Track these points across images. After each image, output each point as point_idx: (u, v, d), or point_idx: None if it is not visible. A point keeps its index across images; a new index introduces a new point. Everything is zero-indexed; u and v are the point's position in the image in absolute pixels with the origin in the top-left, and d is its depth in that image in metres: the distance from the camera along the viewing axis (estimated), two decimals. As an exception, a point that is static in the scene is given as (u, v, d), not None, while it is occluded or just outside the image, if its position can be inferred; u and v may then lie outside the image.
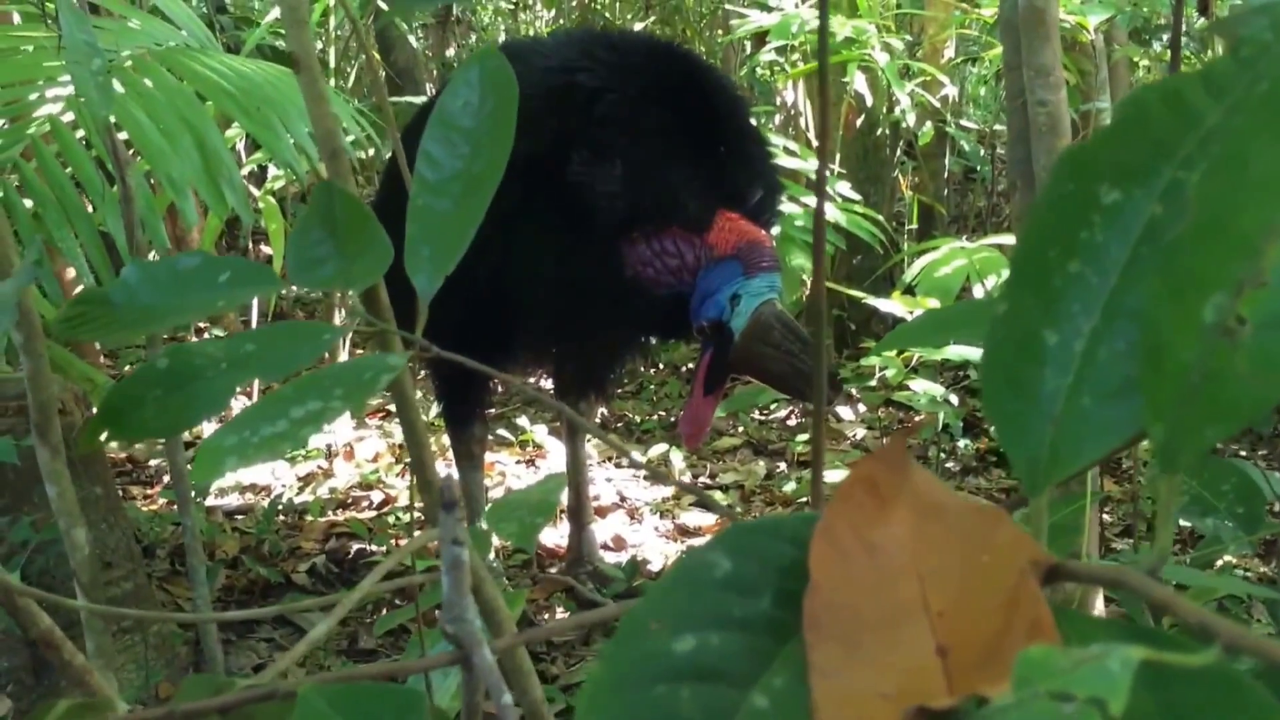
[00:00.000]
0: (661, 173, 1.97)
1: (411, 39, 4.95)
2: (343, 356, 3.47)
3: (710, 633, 0.34)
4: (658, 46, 2.32)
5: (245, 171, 3.43)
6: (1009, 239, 3.51)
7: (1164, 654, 0.28)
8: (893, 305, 2.94)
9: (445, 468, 2.72)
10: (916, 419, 3.49)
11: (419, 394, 2.97)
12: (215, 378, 0.58)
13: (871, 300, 3.17)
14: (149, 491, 3.24)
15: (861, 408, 3.68)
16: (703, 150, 2.02)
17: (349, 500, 3.21)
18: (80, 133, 2.22)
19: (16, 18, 2.61)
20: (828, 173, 0.66)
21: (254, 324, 4.00)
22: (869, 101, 4.10)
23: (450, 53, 6.26)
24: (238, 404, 2.57)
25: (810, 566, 0.35)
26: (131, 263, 0.63)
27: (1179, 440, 0.32)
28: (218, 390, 0.58)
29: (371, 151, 4.25)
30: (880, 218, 3.72)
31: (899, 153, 4.45)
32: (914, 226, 4.60)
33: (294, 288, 0.72)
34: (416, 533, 2.86)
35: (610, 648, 0.34)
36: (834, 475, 2.49)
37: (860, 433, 3.60)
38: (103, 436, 0.58)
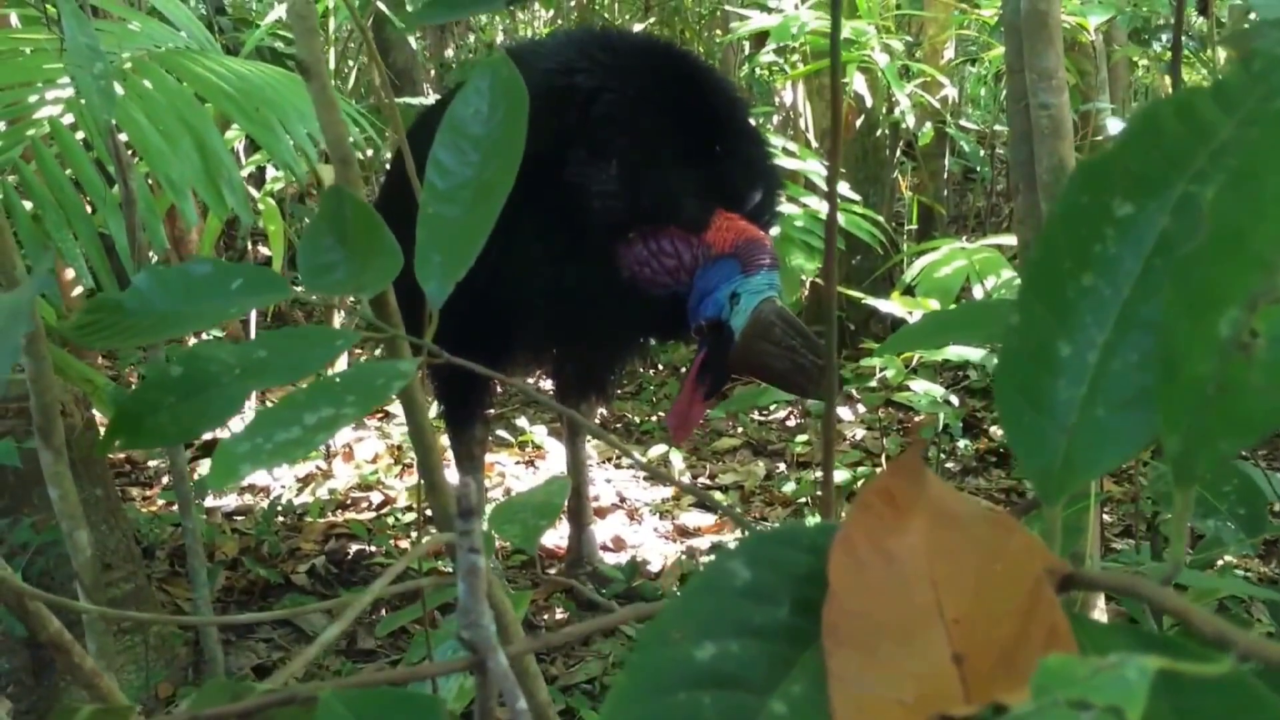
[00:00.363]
0: (658, 173, 1.96)
1: (411, 40, 4.95)
2: (341, 359, 3.47)
3: (730, 640, 0.35)
4: (656, 46, 2.33)
5: (245, 173, 3.43)
6: (1009, 239, 3.52)
7: (1181, 664, 0.28)
8: (892, 306, 2.94)
9: (446, 470, 2.72)
10: (916, 419, 3.49)
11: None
12: (229, 384, 0.58)
13: (871, 301, 3.18)
14: (148, 493, 3.24)
15: (860, 408, 3.69)
16: (701, 150, 2.02)
17: (348, 501, 3.21)
18: (80, 134, 2.22)
19: (15, 20, 2.61)
20: (828, 172, 0.67)
21: (253, 323, 4.00)
22: (868, 102, 4.11)
23: (449, 53, 6.26)
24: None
25: (829, 575, 0.36)
26: (141, 268, 0.64)
27: (1194, 452, 0.32)
28: (231, 396, 0.58)
29: (370, 152, 4.25)
30: (880, 218, 3.73)
31: (898, 153, 4.45)
32: (913, 227, 4.61)
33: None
34: (415, 534, 2.86)
35: (634, 655, 0.34)
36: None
37: (860, 433, 3.61)
38: (117, 444, 0.59)
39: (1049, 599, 0.34)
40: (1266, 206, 0.30)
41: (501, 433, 3.64)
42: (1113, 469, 0.38)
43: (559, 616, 2.60)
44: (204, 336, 3.63)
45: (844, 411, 3.71)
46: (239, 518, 3.10)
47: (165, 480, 3.26)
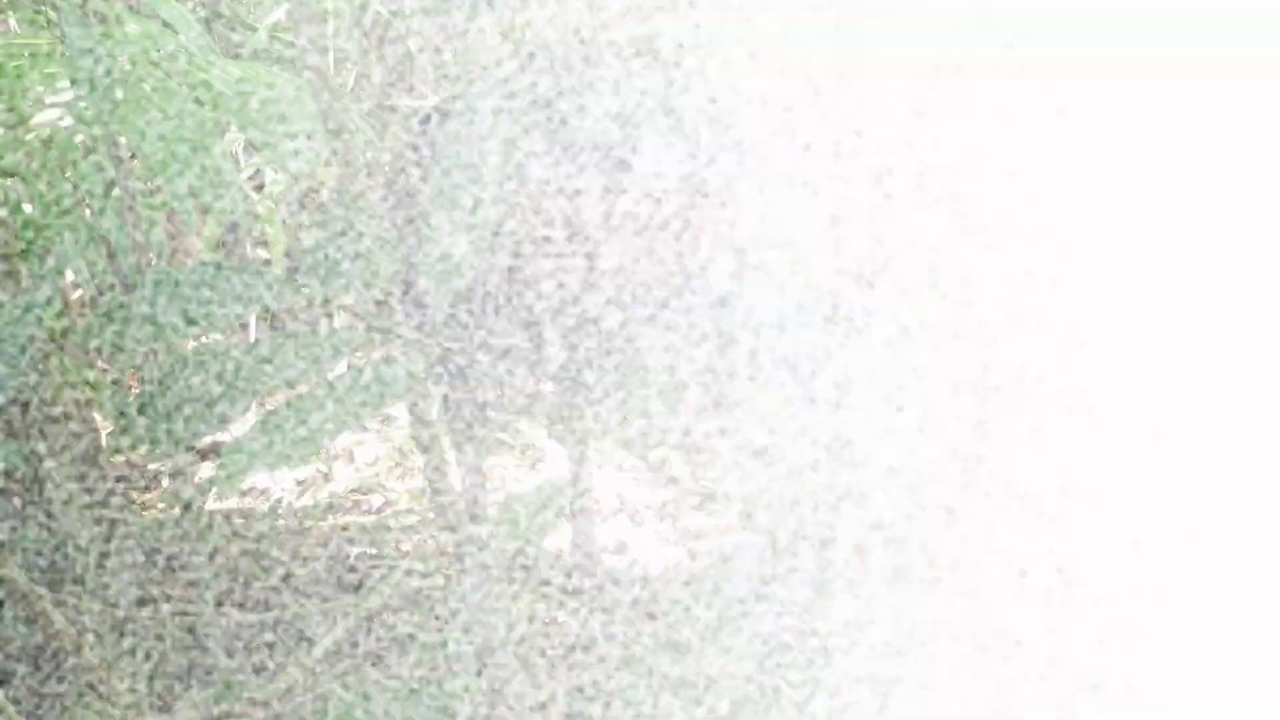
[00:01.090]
0: None
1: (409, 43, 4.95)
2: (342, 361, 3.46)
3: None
4: None
5: (244, 176, 3.42)
6: (1006, 241, 3.52)
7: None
8: (891, 307, 2.94)
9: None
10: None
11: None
12: (235, 386, 0.59)
13: (869, 302, 3.17)
14: (148, 496, 3.24)
15: (859, 409, 3.68)
16: None
17: (349, 504, 3.21)
18: (79, 138, 2.22)
19: (14, 24, 2.61)
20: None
21: (253, 326, 4.00)
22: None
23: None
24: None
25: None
26: (142, 272, 0.64)
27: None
28: (238, 398, 0.59)
29: (370, 154, 4.25)
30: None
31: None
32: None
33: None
34: (416, 537, 2.86)
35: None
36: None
37: (858, 434, 3.60)
38: (124, 444, 0.59)
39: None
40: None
41: (502, 435, 3.63)
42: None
43: (559, 619, 2.60)
44: (202, 340, 3.63)
45: (843, 413, 3.70)
46: (239, 520, 3.09)
47: (165, 483, 3.26)
